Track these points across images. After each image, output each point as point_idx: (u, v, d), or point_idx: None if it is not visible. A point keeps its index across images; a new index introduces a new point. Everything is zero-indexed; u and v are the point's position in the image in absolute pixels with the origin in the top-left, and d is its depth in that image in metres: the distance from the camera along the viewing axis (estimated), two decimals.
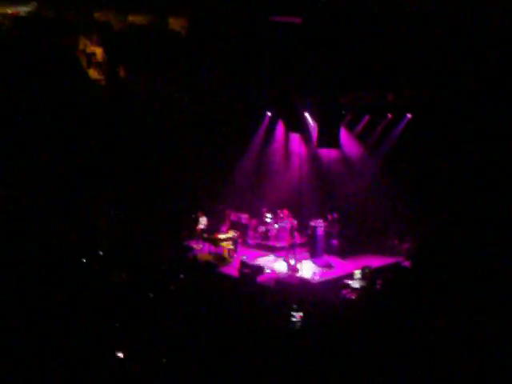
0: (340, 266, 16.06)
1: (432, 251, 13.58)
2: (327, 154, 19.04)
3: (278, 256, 17.06)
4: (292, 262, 15.71)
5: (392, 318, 8.50)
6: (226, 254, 16.88)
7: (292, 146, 20.32)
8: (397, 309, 9.12)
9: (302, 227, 17.73)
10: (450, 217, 15.53)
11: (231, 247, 17.12)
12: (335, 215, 17.93)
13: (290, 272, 15.39)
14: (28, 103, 15.56)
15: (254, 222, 19.31)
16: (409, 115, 17.74)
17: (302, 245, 17.12)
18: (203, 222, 18.22)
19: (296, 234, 16.29)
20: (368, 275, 13.86)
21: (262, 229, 18.96)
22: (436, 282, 10.10)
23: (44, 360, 6.51)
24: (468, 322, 7.68)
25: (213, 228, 18.31)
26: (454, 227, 15.26)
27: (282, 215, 18.51)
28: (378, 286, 12.66)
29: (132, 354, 6.89)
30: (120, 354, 6.66)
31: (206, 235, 17.70)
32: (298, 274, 15.22)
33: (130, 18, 16.12)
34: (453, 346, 7.26)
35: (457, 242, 13.26)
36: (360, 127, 18.87)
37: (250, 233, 19.15)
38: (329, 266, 15.99)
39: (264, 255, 17.45)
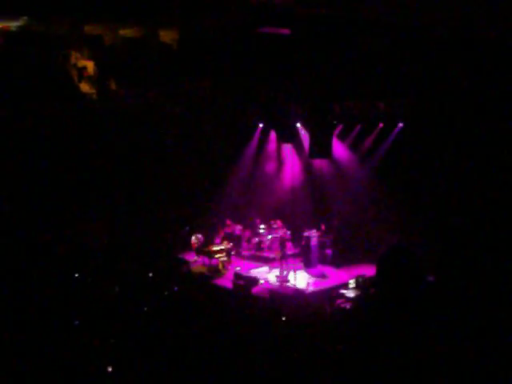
0: (334, 276, 16.04)
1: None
2: (319, 164, 19.10)
3: (272, 267, 17.03)
4: (284, 272, 15.69)
5: (386, 326, 8.45)
6: (220, 265, 16.83)
7: (284, 157, 20.37)
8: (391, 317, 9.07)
9: (296, 237, 17.72)
10: (443, 225, 15.56)
11: (225, 259, 17.08)
12: (329, 225, 17.92)
13: (279, 282, 15.36)
14: (19, 117, 15.54)
15: (247, 233, 19.28)
16: (400, 124, 17.81)
17: (295, 255, 17.09)
18: (198, 238, 18.14)
19: (288, 244, 16.26)
20: (362, 284, 13.86)
21: (255, 240, 18.95)
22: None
23: (35, 373, 6.46)
24: (463, 331, 7.63)
25: (206, 240, 18.28)
26: (447, 235, 15.29)
27: (275, 226, 18.52)
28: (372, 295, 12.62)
29: (123, 367, 6.84)
30: (109, 369, 6.60)
31: (199, 247, 17.68)
32: (288, 284, 15.20)
33: (121, 32, 16.14)
34: (448, 356, 7.19)
35: (449, 251, 13.26)
36: (352, 137, 18.94)
37: (244, 244, 19.11)
38: (323, 275, 15.98)
39: (258, 266, 17.42)
